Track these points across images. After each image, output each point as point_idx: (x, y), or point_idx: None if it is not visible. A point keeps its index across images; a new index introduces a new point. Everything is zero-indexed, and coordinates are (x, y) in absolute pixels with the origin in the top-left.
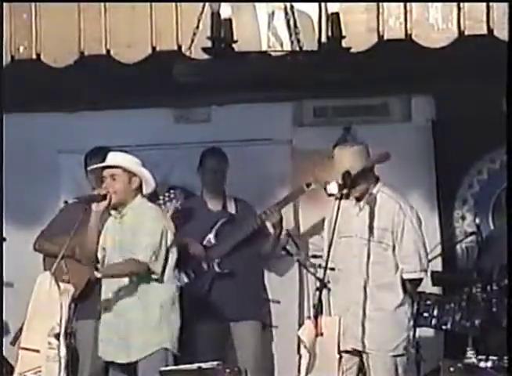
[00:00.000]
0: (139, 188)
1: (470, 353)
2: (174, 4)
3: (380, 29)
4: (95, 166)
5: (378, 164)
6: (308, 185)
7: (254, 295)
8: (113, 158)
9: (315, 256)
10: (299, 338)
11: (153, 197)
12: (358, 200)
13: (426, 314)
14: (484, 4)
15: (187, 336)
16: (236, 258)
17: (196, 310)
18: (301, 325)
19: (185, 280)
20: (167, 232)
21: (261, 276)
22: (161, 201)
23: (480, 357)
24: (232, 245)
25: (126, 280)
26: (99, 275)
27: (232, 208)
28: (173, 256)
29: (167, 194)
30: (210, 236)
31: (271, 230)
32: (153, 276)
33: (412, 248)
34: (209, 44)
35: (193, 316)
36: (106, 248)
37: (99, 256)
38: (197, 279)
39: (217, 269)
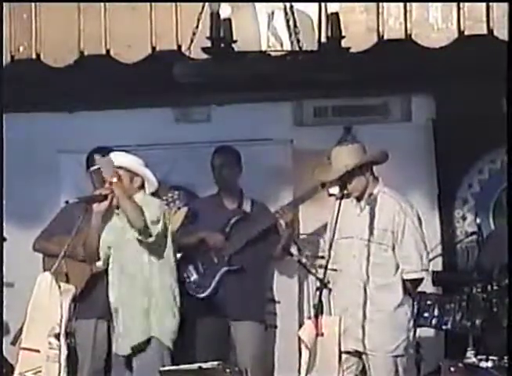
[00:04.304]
0: (141, 187)
1: (470, 353)
2: (174, 4)
3: (380, 29)
4: (97, 166)
5: (376, 162)
6: (323, 185)
7: (259, 295)
8: (115, 158)
9: (319, 257)
10: (299, 337)
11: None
12: (358, 200)
13: (426, 314)
14: (484, 4)
15: (188, 334)
16: (247, 256)
17: (201, 307)
18: (301, 325)
19: (195, 275)
20: (165, 218)
21: (269, 276)
22: (164, 202)
23: (480, 357)
24: (244, 243)
25: (130, 270)
26: (99, 264)
27: (247, 207)
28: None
29: (170, 195)
30: (224, 234)
31: (284, 229)
32: (149, 240)
33: (414, 248)
34: (209, 44)
35: (197, 313)
36: (111, 247)
37: (104, 255)
38: (206, 275)
39: (226, 265)
